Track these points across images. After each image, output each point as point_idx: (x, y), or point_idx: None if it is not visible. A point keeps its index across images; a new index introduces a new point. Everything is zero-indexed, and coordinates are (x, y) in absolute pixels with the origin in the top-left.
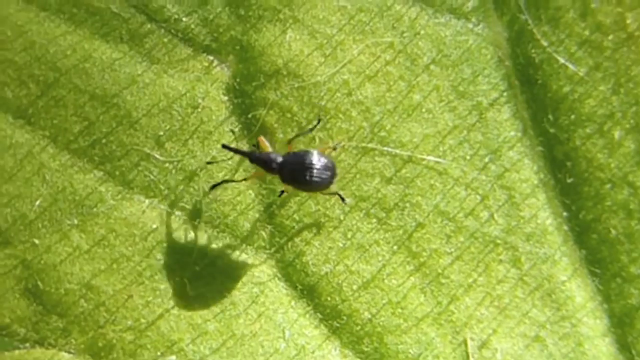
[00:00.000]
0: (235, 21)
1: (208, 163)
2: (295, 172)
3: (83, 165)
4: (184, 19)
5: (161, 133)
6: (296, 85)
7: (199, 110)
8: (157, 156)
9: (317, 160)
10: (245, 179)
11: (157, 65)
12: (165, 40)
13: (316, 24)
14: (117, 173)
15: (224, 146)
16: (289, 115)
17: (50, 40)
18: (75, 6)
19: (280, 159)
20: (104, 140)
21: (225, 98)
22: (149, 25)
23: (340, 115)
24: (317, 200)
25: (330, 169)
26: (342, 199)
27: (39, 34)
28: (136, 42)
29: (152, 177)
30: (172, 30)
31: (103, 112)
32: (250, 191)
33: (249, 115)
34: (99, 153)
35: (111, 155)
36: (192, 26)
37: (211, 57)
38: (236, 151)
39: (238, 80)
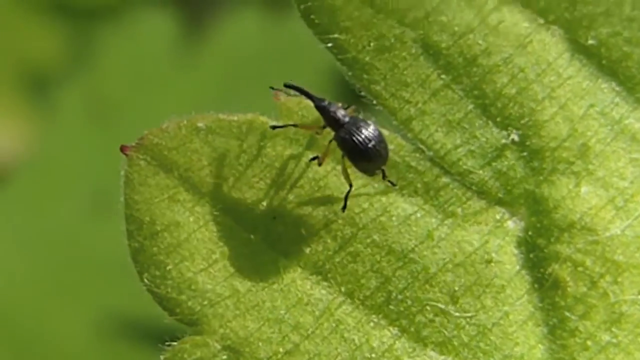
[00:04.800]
0: (528, 173)
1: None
2: (355, 135)
3: (378, 322)
4: (478, 172)
5: (456, 288)
6: (590, 240)
7: (492, 264)
8: (452, 312)
9: (377, 132)
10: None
11: (451, 219)
12: (459, 193)
13: (609, 177)
14: (412, 329)
15: (286, 85)
16: (580, 269)
17: (349, 195)
18: None
19: (347, 116)
20: (400, 296)
21: (517, 251)
22: (443, 179)
23: (632, 269)
24: None
25: (386, 145)
26: (392, 183)
27: (336, 188)
28: (431, 195)
29: (446, 333)
30: (467, 183)
31: (399, 267)
32: (540, 345)
33: (541, 270)
34: (395, 309)
35: (406, 311)
36: (486, 179)
37: (503, 210)
38: (301, 91)
39: (530, 233)
